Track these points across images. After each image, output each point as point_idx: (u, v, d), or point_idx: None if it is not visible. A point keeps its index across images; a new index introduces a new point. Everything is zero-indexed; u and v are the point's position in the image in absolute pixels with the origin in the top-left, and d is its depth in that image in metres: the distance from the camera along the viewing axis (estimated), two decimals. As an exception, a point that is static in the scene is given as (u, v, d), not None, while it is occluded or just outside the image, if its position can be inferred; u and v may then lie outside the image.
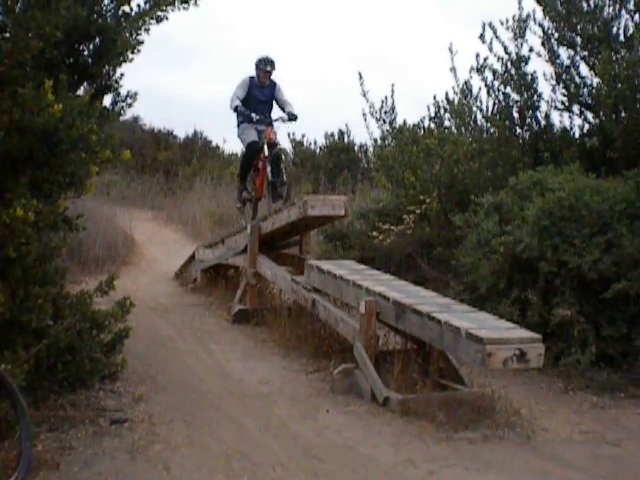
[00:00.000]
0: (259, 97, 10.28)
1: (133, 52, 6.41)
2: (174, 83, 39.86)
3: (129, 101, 6.62)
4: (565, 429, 6.03)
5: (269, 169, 9.90)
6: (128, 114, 7.84)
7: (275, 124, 10.32)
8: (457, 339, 5.84)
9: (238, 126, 10.47)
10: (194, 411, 6.11)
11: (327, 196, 10.16)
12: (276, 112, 10.52)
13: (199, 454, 5.20)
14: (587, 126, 9.58)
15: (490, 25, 9.99)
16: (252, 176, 10.61)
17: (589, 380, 7.02)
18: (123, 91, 6.55)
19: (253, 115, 10.00)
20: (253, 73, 10.29)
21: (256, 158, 10.31)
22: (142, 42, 6.45)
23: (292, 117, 10.27)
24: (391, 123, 11.54)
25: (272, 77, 10.39)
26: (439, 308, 6.43)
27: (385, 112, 11.49)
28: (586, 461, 5.39)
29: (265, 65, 10.21)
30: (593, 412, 6.52)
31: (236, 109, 10.12)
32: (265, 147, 9.99)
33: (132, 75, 6.93)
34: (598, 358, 7.12)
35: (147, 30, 6.48)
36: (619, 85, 8.65)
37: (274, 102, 10.46)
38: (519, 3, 9.84)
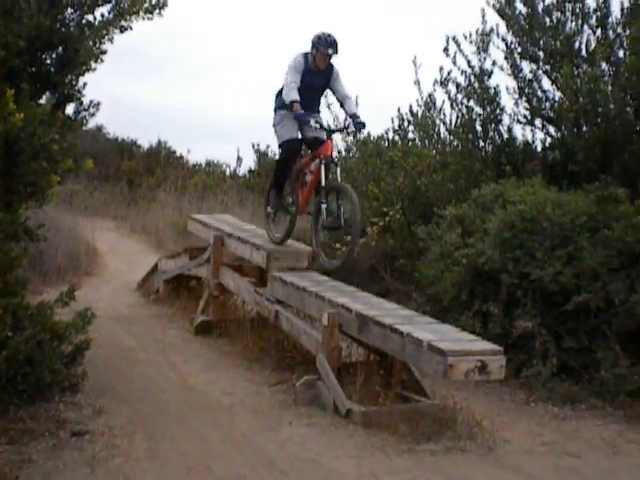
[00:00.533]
0: (312, 84, 8.11)
1: (96, 61, 6.37)
2: (139, 92, 39.71)
3: (92, 110, 6.54)
4: (526, 440, 6.07)
5: (324, 207, 7.76)
6: (91, 123, 7.56)
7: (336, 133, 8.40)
8: (419, 351, 5.86)
9: (275, 111, 8.41)
10: (156, 423, 6.06)
11: (292, 246, 9.06)
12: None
13: (160, 467, 5.16)
14: (549, 140, 9.68)
15: (454, 39, 10.06)
16: (292, 182, 8.58)
17: (550, 392, 7.09)
18: (86, 100, 6.49)
19: (311, 122, 7.78)
20: (307, 49, 8.08)
21: (295, 160, 8.43)
22: (105, 52, 6.42)
23: (360, 126, 8.16)
24: (355, 135, 11.58)
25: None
26: (401, 320, 6.45)
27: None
28: (547, 472, 5.43)
29: (326, 46, 7.92)
30: (554, 423, 6.57)
31: (292, 105, 7.79)
32: (322, 169, 7.80)
33: (96, 84, 6.89)
34: (559, 370, 7.18)
35: (111, 40, 6.45)
36: (581, 99, 8.75)
37: (327, 91, 8.43)
38: (482, 17, 9.92)
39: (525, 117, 9.72)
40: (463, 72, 9.99)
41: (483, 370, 5.63)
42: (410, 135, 11.54)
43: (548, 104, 9.48)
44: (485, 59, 9.91)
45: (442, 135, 10.63)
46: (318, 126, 7.88)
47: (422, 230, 8.96)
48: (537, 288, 7.38)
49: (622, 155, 8.34)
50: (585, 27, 9.35)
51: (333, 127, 8.36)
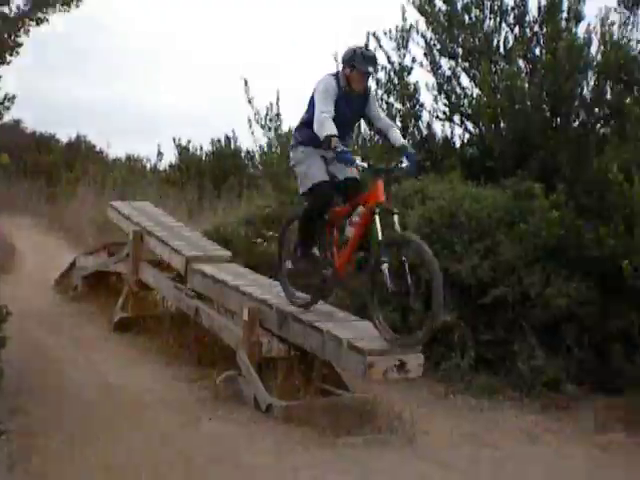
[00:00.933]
0: (345, 112, 6.26)
1: (12, 54, 6.24)
2: (57, 86, 39.07)
3: (7, 104, 6.41)
4: (445, 432, 6.15)
5: (386, 268, 5.72)
6: (8, 117, 7.20)
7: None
8: (339, 349, 5.91)
9: (295, 147, 6.63)
10: (74, 422, 5.97)
11: (213, 251, 8.97)
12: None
13: (79, 466, 5.09)
14: (467, 136, 9.82)
15: (374, 35, 10.12)
16: (325, 238, 6.55)
17: (469, 384, 7.19)
18: (1, 94, 6.35)
19: (357, 162, 5.97)
20: (333, 70, 6.49)
21: (328, 209, 6.46)
22: (21, 44, 6.30)
23: (415, 161, 6.33)
24: (276, 130, 11.56)
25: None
26: (322, 316, 6.49)
27: (270, 119, 11.49)
28: (465, 463, 5.52)
29: (366, 63, 6.23)
30: (473, 415, 6.67)
31: (329, 141, 5.95)
32: (377, 220, 5.86)
33: (14, 78, 6.75)
34: (477, 362, 7.28)
35: (27, 32, 6.33)
36: (498, 96, 8.90)
37: (362, 119, 6.86)
38: (403, 14, 10.02)
39: (444, 113, 9.85)
40: (383, 68, 10.07)
41: (402, 369, 5.70)
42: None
43: (466, 101, 9.63)
44: (405, 55, 10.03)
45: (363, 130, 10.66)
46: (366, 165, 6.05)
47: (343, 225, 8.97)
48: (456, 282, 7.47)
49: (538, 151, 8.51)
50: (503, 25, 9.53)
51: (382, 165, 6.26)
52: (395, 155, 6.33)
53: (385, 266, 5.72)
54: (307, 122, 6.37)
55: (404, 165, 6.21)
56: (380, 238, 5.81)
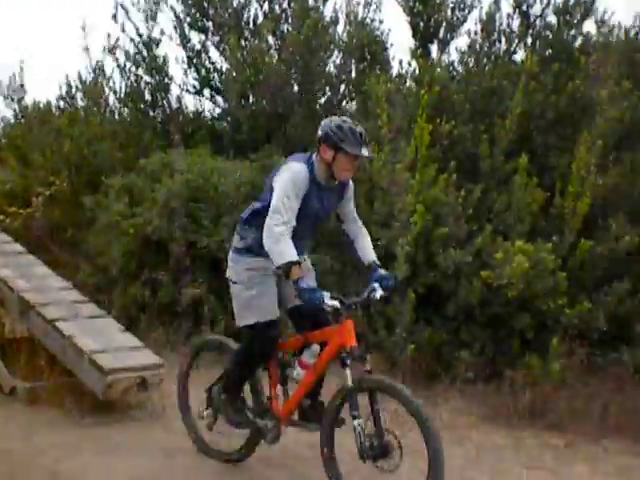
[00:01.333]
0: (314, 212, 4.55)
1: None
2: None
3: None
4: (194, 404, 6.12)
5: (358, 424, 4.22)
6: None
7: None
8: (80, 360, 5.80)
9: (239, 253, 4.69)
10: None
11: None
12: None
13: None
14: (218, 110, 9.87)
15: (122, 6, 9.89)
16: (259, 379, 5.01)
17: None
18: None
19: (327, 301, 4.27)
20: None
21: (273, 354, 4.78)
22: None
23: (392, 284, 4.67)
24: (20, 101, 11.08)
25: None
26: (66, 311, 6.32)
27: (14, 90, 10.99)
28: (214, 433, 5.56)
29: (358, 145, 4.38)
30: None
31: (287, 269, 4.21)
32: (348, 374, 4.30)
33: None
34: (228, 334, 7.36)
35: None
36: (247, 71, 8.98)
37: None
38: (152, -14, 9.86)
39: (194, 87, 9.86)
40: (132, 40, 9.88)
41: (142, 385, 5.72)
42: (80, 103, 11.20)
43: (216, 75, 9.67)
44: (153, 27, 9.87)
45: (111, 103, 10.44)
46: (337, 304, 4.32)
47: (89, 200, 8.77)
48: (205, 255, 7.52)
49: (286, 126, 8.69)
50: (253, 1, 9.64)
51: (355, 299, 4.49)
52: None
53: (358, 422, 4.25)
54: (260, 216, 4.49)
55: (378, 295, 4.54)
56: (350, 383, 4.33)
